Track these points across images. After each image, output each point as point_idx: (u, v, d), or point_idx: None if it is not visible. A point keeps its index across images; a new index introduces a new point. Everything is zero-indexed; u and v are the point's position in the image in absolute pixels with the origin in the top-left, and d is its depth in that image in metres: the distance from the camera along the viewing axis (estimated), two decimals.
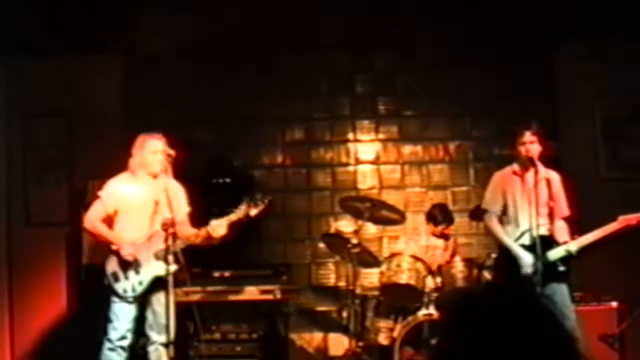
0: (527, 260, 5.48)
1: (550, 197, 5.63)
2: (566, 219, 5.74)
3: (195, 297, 6.33)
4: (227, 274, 6.86)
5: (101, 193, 5.70)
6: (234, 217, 5.52)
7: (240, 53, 7.86)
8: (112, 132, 7.35)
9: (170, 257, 5.43)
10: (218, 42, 7.69)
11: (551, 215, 5.62)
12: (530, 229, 5.51)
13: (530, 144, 5.60)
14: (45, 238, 7.48)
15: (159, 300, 5.61)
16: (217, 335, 6.70)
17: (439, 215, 7.08)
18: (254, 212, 5.54)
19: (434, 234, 7.11)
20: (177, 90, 7.90)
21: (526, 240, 5.57)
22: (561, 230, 5.67)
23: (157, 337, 5.61)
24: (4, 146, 7.65)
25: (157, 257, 5.56)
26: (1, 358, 7.36)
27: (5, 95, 7.68)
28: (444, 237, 7.11)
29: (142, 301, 5.63)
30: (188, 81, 7.91)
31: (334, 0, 7.58)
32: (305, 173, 8.01)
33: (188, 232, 5.62)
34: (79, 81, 7.68)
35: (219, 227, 5.49)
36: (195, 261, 6.05)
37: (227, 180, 7.46)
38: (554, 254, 5.47)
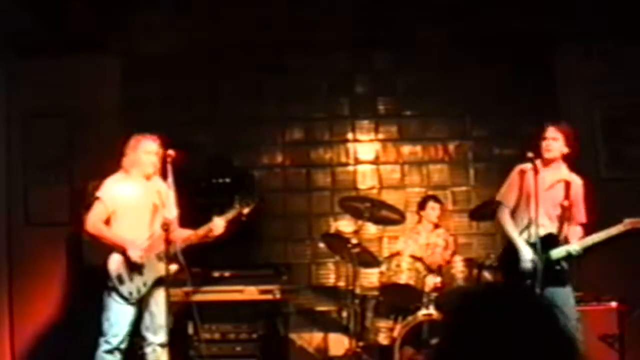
0: (527, 255, 5.42)
1: (566, 199, 5.50)
2: (583, 226, 5.63)
3: (195, 297, 6.32)
4: (227, 274, 6.87)
5: (100, 194, 5.66)
6: (230, 215, 5.68)
7: (240, 53, 7.86)
8: (112, 132, 7.35)
9: (170, 258, 5.45)
10: (218, 42, 7.69)
11: (562, 218, 5.51)
12: (533, 226, 5.41)
13: (554, 141, 5.47)
14: (45, 238, 7.47)
15: (155, 301, 5.61)
16: (217, 335, 6.70)
17: (429, 200, 7.23)
18: (246, 210, 5.73)
19: (430, 222, 7.12)
20: (177, 90, 7.91)
21: (530, 237, 5.48)
22: (576, 236, 5.55)
23: (153, 338, 5.60)
24: (4, 146, 7.65)
25: (159, 258, 5.56)
26: (1, 357, 7.36)
27: (5, 95, 7.67)
28: (438, 227, 7.18)
29: (140, 302, 5.62)
30: (188, 81, 7.92)
31: (334, 0, 7.58)
32: (305, 173, 8.02)
33: (184, 232, 5.61)
34: (79, 81, 7.67)
35: (218, 225, 5.59)
36: (195, 261, 6.05)
37: (227, 180, 7.46)
38: (557, 252, 5.43)
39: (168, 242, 5.43)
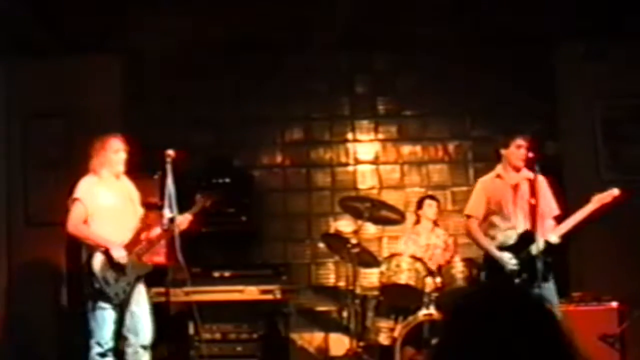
0: (506, 258, 5.71)
1: (532, 196, 5.75)
2: (556, 218, 5.86)
3: (196, 297, 6.33)
4: (227, 274, 6.87)
5: (78, 195, 5.66)
6: (194, 210, 5.79)
7: (240, 53, 7.86)
8: (112, 132, 7.32)
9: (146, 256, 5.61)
10: (218, 42, 7.69)
11: (532, 214, 5.71)
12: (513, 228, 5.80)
13: (527, 150, 5.79)
14: (45, 238, 7.46)
15: (136, 301, 5.61)
16: (217, 335, 6.71)
17: (426, 198, 7.26)
18: (209, 203, 5.91)
19: (429, 220, 7.13)
20: (177, 90, 7.91)
21: (511, 239, 5.80)
22: (550, 229, 5.77)
23: (135, 340, 5.58)
24: (4, 146, 7.65)
25: (137, 257, 5.58)
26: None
27: (5, 95, 7.67)
28: (437, 224, 7.22)
29: (121, 303, 5.60)
30: (188, 81, 7.92)
31: (334, 0, 7.57)
32: (305, 173, 8.02)
33: (156, 230, 5.66)
34: (79, 81, 7.67)
35: (184, 221, 5.65)
36: (195, 261, 6.05)
37: (227, 180, 7.46)
38: (536, 247, 5.58)
39: (148, 240, 5.58)
